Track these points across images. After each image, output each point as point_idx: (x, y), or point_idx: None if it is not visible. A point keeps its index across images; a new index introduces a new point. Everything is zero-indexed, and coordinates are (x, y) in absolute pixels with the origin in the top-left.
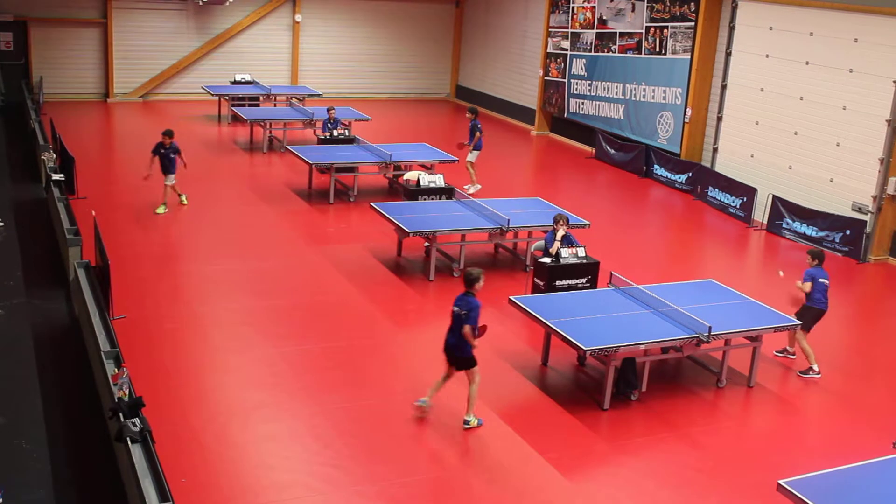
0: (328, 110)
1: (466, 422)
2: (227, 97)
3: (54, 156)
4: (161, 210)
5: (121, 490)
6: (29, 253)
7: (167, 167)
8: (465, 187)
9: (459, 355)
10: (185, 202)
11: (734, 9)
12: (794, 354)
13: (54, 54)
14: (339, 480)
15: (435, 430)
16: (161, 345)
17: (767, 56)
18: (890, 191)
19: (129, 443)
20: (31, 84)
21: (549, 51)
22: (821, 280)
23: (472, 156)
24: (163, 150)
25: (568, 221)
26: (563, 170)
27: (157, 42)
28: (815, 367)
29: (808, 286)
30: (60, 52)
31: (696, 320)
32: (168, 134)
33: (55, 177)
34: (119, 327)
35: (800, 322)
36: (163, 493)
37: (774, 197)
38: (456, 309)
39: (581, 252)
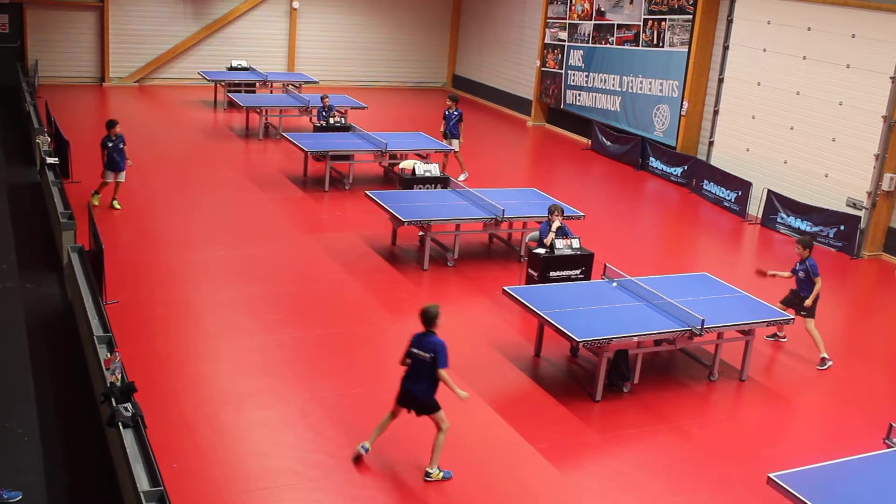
0: (322, 98)
1: (428, 473)
2: (223, 83)
3: (49, 139)
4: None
5: (112, 475)
6: (22, 237)
7: (117, 162)
8: (460, 179)
9: (424, 401)
10: (118, 206)
11: (732, 2)
12: (784, 337)
13: (50, 37)
14: (330, 468)
15: (425, 421)
16: (154, 330)
17: (765, 50)
18: (885, 187)
19: (120, 428)
20: (27, 67)
21: (546, 41)
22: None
23: (456, 144)
24: (110, 143)
25: (563, 212)
26: (559, 161)
27: (154, 27)
28: (826, 355)
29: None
30: (56, 36)
31: (689, 313)
32: (111, 125)
33: (49, 160)
34: (112, 312)
35: (807, 312)
36: (154, 478)
37: (769, 191)
38: (418, 352)
39: (575, 243)
